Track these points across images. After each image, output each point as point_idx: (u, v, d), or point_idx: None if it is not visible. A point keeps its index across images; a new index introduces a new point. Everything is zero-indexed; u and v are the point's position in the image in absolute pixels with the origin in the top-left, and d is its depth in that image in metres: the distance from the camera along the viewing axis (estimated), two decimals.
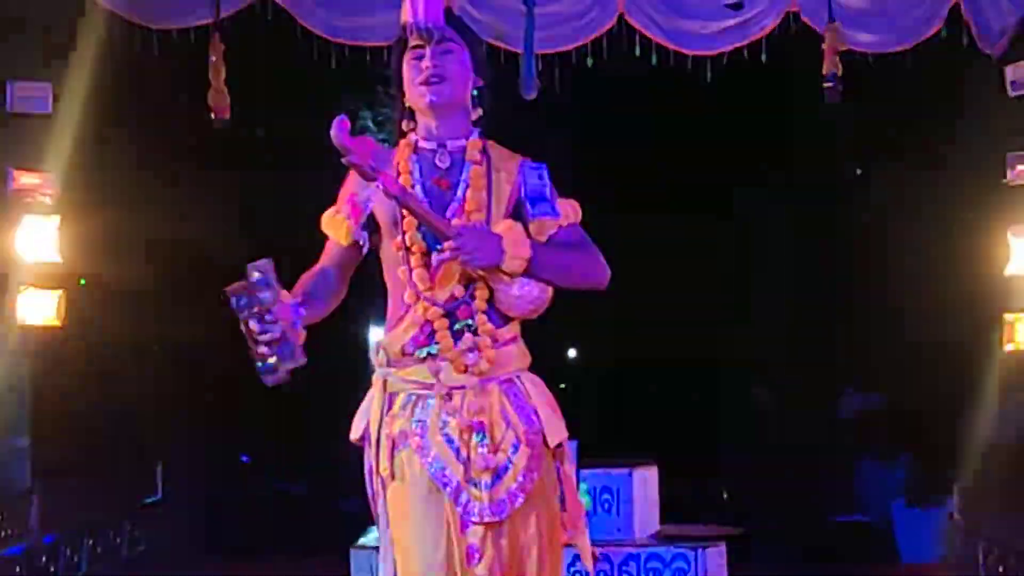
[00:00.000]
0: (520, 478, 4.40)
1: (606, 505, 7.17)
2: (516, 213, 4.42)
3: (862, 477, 9.86)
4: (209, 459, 9.59)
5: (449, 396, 4.38)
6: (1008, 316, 7.26)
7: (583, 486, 7.06)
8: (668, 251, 9.96)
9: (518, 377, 4.42)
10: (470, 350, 4.41)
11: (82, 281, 8.10)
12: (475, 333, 4.32)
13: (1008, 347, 7.26)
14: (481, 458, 4.37)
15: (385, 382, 4.41)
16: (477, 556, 4.28)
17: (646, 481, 7.23)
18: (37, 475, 7.55)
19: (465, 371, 4.32)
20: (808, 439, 9.85)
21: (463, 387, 4.38)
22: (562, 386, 11.27)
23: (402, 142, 4.49)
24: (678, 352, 10.26)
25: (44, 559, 7.31)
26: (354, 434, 4.41)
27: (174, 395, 9.12)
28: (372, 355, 4.44)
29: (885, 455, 9.68)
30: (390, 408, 4.45)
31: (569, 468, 4.43)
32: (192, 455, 9.38)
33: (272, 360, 3.83)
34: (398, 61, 4.53)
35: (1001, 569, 7.49)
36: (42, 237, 7.29)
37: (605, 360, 11.07)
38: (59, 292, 7.43)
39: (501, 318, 4.43)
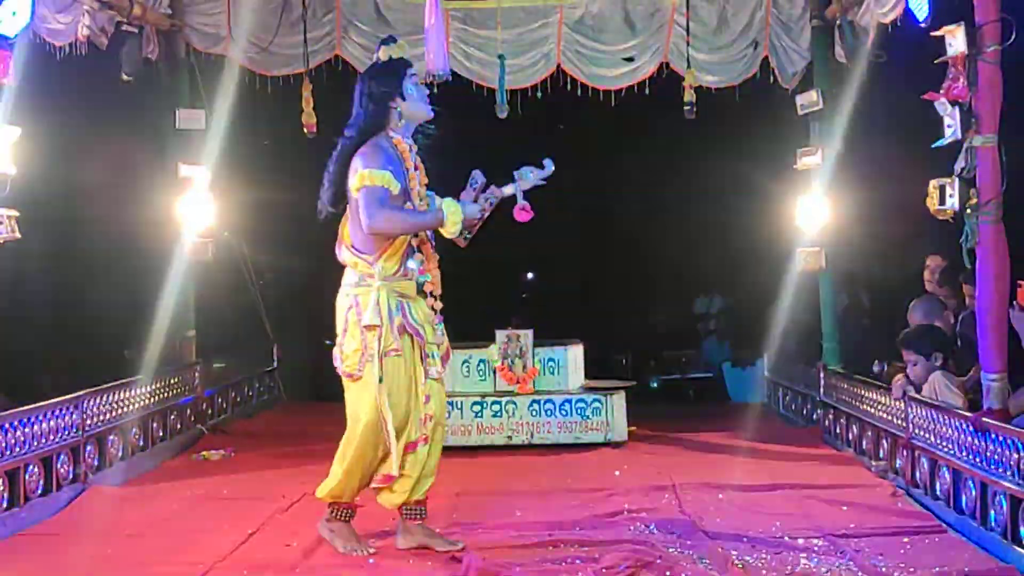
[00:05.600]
0: (446, 350, 4.85)
1: (551, 369, 7.57)
2: None
3: (707, 349, 10.12)
4: (305, 343, 9.78)
5: (421, 297, 4.74)
6: (799, 249, 7.60)
7: (538, 357, 7.25)
8: (582, 205, 10.22)
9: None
10: (436, 271, 4.79)
11: (225, 233, 8.38)
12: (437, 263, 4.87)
13: (798, 268, 7.49)
14: (437, 335, 4.76)
15: (379, 290, 4.63)
16: (427, 399, 4.76)
17: (576, 354, 7.68)
18: (199, 354, 8.03)
19: (433, 287, 4.77)
20: (675, 327, 10.10)
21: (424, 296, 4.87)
22: (524, 295, 11.56)
23: (398, 138, 4.69)
24: (594, 279, 10.48)
25: (204, 406, 7.92)
26: (370, 322, 4.62)
27: (283, 303, 9.40)
28: (368, 274, 4.62)
29: (723, 335, 9.95)
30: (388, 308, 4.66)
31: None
32: (294, 340, 9.63)
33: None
34: (399, 80, 4.67)
35: (792, 405, 7.85)
36: (199, 207, 7.45)
37: (551, 280, 11.28)
38: (211, 240, 7.61)
39: None
